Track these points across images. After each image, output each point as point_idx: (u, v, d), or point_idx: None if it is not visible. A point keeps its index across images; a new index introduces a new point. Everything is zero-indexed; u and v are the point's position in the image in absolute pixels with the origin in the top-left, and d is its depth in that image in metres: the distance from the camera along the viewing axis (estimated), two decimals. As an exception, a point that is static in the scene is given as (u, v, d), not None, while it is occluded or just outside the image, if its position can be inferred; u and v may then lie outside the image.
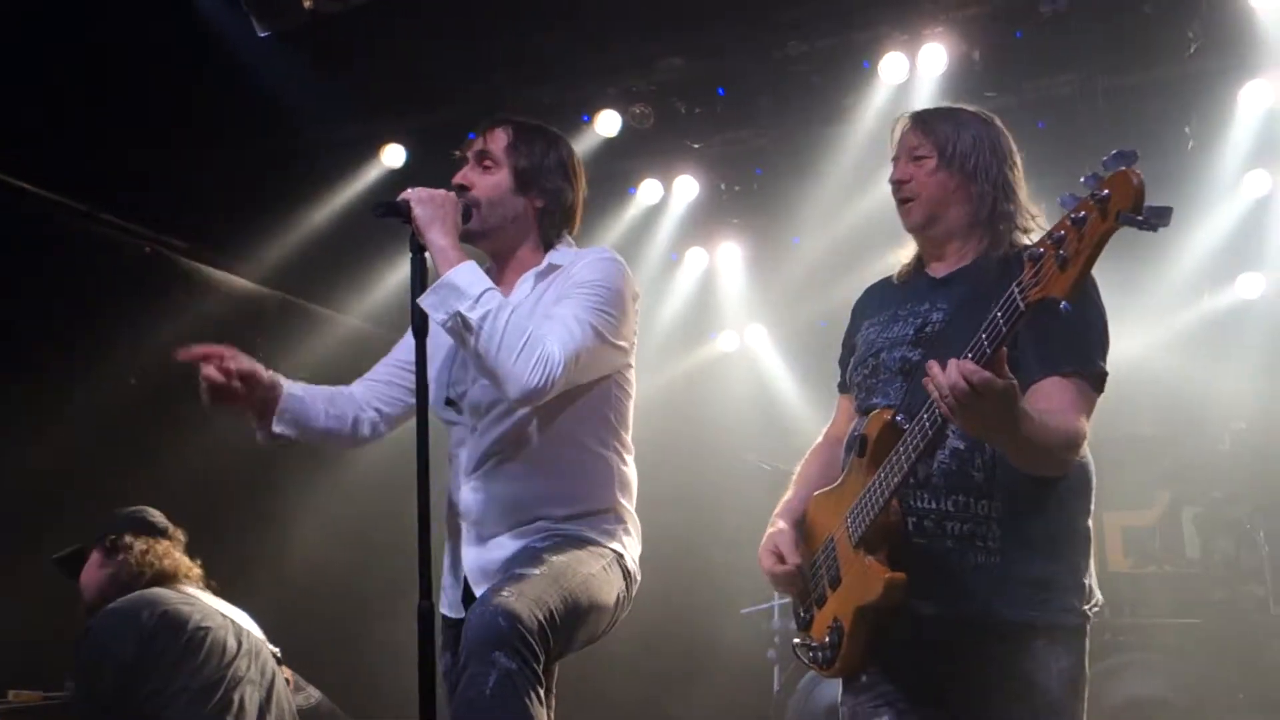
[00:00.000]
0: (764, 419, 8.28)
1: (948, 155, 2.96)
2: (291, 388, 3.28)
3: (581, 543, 3.19)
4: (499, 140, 3.35)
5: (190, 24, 5.97)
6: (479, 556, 3.23)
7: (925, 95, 6.35)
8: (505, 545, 3.20)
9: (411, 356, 3.01)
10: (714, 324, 8.61)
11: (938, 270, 3.03)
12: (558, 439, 3.22)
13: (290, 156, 7.05)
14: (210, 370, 3.12)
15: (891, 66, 6.45)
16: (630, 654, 6.02)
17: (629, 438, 3.39)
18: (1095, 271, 2.33)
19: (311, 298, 7.81)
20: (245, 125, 6.59)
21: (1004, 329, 2.34)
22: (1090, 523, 2.88)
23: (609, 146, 7.05)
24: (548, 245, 3.39)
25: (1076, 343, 2.76)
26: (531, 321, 3.05)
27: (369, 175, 7.23)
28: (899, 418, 2.72)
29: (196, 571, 4.52)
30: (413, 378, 3.01)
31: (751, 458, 7.18)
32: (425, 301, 2.98)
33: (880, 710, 2.87)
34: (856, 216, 6.99)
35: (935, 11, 6.39)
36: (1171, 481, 6.75)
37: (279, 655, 4.56)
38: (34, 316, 6.01)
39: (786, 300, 8.30)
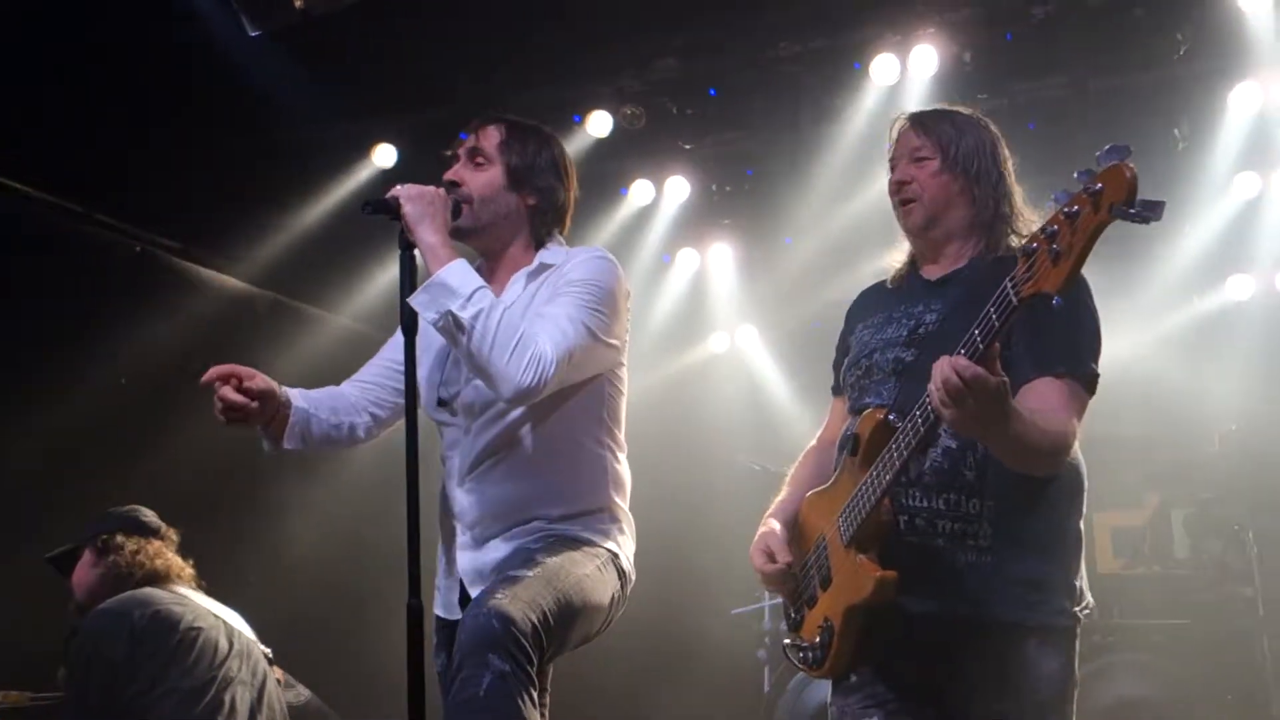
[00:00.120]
0: (755, 420, 8.29)
1: (950, 157, 2.97)
2: (297, 401, 3.27)
3: (576, 543, 3.19)
4: (491, 138, 3.35)
5: (181, 23, 5.95)
6: (474, 558, 3.24)
7: (916, 97, 6.35)
8: (500, 547, 3.20)
9: (401, 356, 3.01)
10: (705, 325, 8.61)
11: (932, 272, 3.04)
12: (552, 438, 3.22)
13: (281, 156, 7.04)
14: (228, 392, 3.09)
15: (883, 68, 6.46)
16: (620, 653, 6.01)
17: (622, 436, 3.39)
18: (1086, 273, 2.35)
19: (303, 297, 7.80)
20: (236, 125, 6.58)
21: (997, 324, 2.34)
22: (1082, 524, 2.89)
23: (600, 147, 7.05)
24: (539, 244, 3.38)
25: (1069, 344, 2.76)
26: (524, 321, 3.04)
27: (360, 175, 7.22)
28: (891, 416, 2.72)
29: (189, 572, 4.52)
30: (404, 378, 3.00)
31: (742, 459, 7.19)
32: (416, 300, 2.97)
33: (870, 711, 2.88)
34: (848, 217, 7.01)
35: (926, 13, 6.39)
36: (1161, 482, 6.78)
37: (270, 656, 4.55)
38: (25, 316, 5.99)
39: (778, 301, 8.31)
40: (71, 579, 4.46)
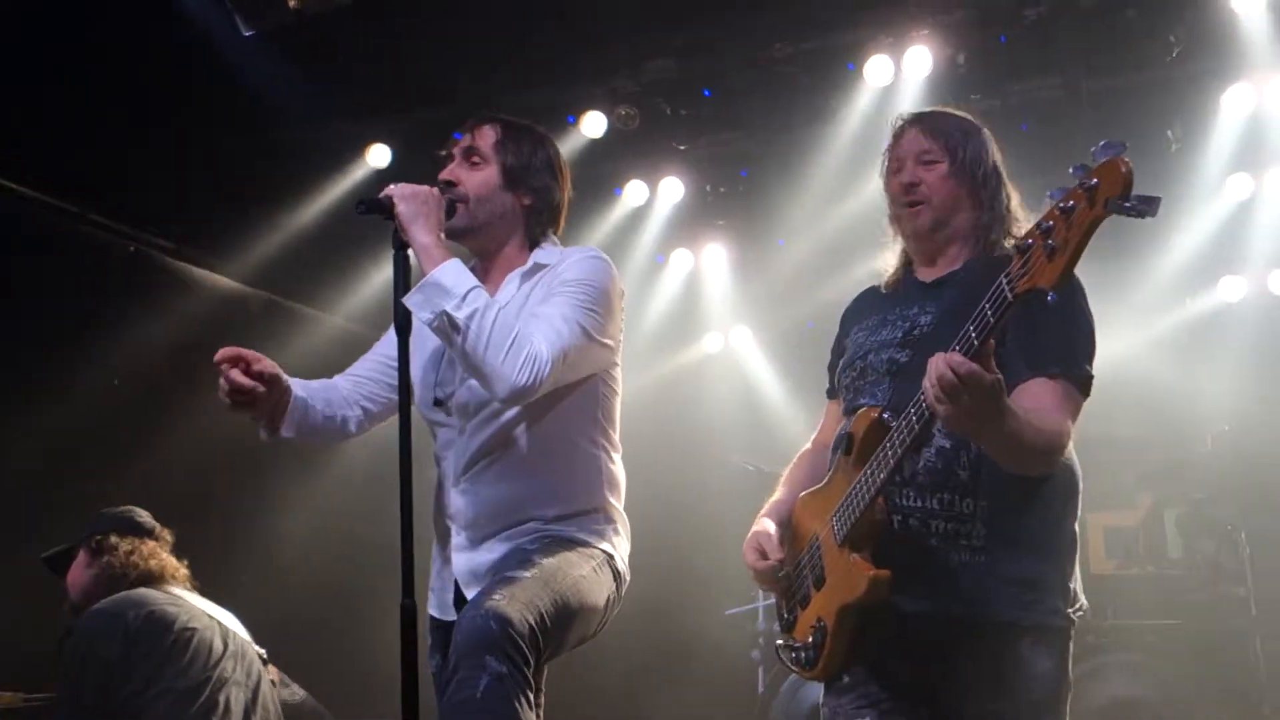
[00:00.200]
0: (749, 420, 8.30)
1: (959, 161, 2.97)
2: (296, 390, 3.27)
3: (571, 544, 3.19)
4: (487, 137, 3.35)
5: (176, 24, 5.95)
6: (469, 559, 3.23)
7: (910, 98, 6.36)
8: (495, 548, 3.20)
9: (395, 351, 3.00)
10: (699, 325, 8.62)
11: (927, 275, 3.05)
12: (547, 439, 3.22)
13: (276, 156, 7.04)
14: (237, 374, 3.08)
15: (877, 69, 6.47)
16: (615, 654, 6.01)
17: (617, 436, 3.39)
18: (1079, 274, 2.35)
19: (297, 297, 7.80)
20: (231, 125, 6.58)
21: (991, 320, 2.34)
22: (1076, 526, 2.90)
23: (594, 148, 7.05)
24: (533, 244, 3.38)
25: (1063, 345, 2.77)
26: (519, 320, 3.04)
27: (354, 175, 7.22)
28: (886, 415, 2.73)
29: (183, 572, 4.51)
30: (397, 375, 3.00)
31: (736, 459, 7.19)
32: (410, 300, 2.96)
33: (863, 711, 2.87)
34: (842, 218, 7.01)
35: (920, 14, 6.40)
36: (1154, 483, 6.78)
37: (265, 656, 4.55)
38: (19, 316, 5.99)
39: (772, 302, 8.32)
40: (66, 579, 4.46)
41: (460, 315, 2.94)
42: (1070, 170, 2.21)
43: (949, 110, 3.13)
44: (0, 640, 5.29)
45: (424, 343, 3.29)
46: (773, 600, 3.20)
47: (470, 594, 3.14)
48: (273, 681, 4.57)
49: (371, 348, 3.52)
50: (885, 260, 3.19)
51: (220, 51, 6.12)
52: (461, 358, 3.01)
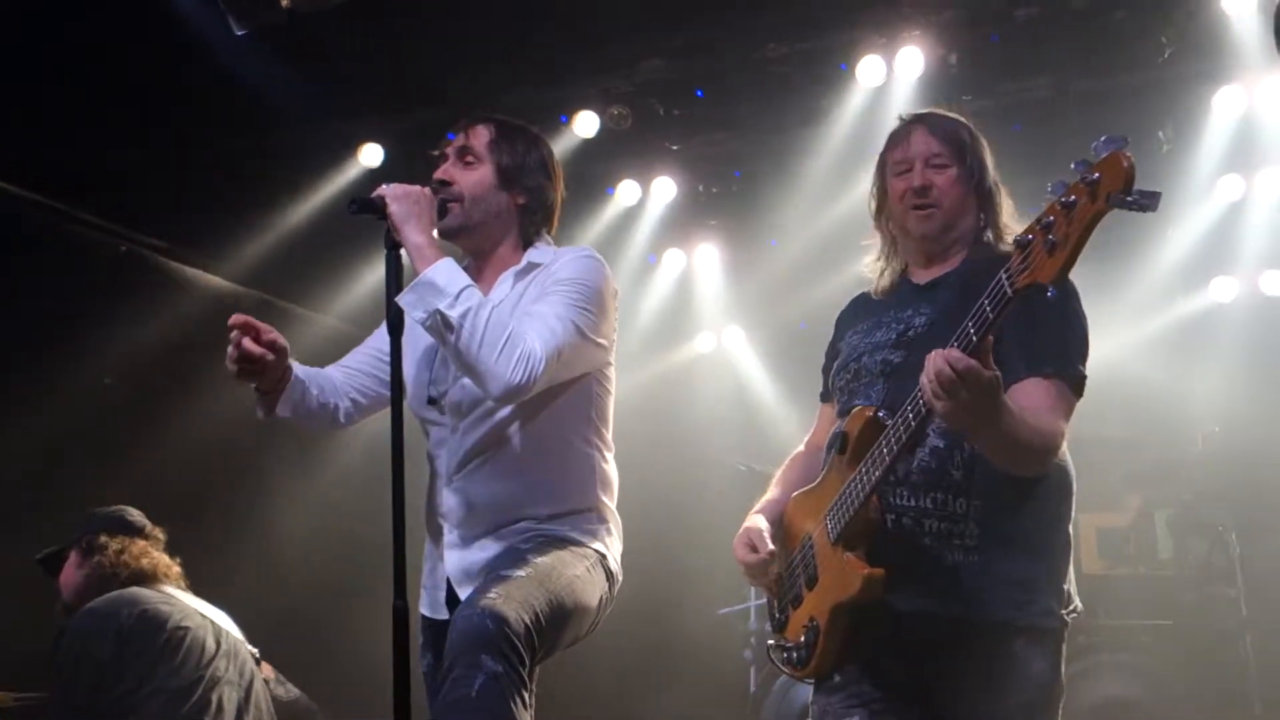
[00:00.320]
0: (741, 420, 8.31)
1: (968, 165, 2.98)
2: (297, 370, 3.26)
3: (565, 543, 3.19)
4: (481, 137, 3.36)
5: (168, 22, 5.94)
6: (462, 558, 3.23)
7: (902, 98, 6.36)
8: (489, 546, 3.20)
9: (388, 345, 3.00)
10: (691, 325, 8.62)
11: (921, 277, 3.05)
12: (541, 438, 3.22)
13: (268, 155, 7.02)
14: (249, 342, 3.07)
15: (869, 69, 6.47)
16: (607, 653, 6.02)
17: (610, 436, 3.40)
18: (1072, 275, 2.35)
19: (289, 297, 7.79)
20: (223, 124, 6.57)
21: (990, 316, 2.34)
22: (1070, 528, 2.90)
23: (587, 147, 7.04)
24: (527, 244, 3.39)
25: (1058, 345, 2.78)
26: (512, 319, 3.05)
27: (347, 174, 7.20)
28: (881, 413, 2.73)
29: (176, 570, 4.51)
30: (388, 369, 3.00)
31: (728, 459, 7.20)
32: (404, 300, 2.96)
33: (853, 710, 2.87)
34: (834, 218, 7.01)
35: (912, 15, 6.40)
36: (1145, 483, 6.80)
37: (258, 655, 4.55)
38: (9, 316, 5.97)
39: (764, 302, 8.32)
40: (59, 580, 4.46)
41: (454, 314, 2.94)
42: (1072, 165, 2.20)
43: (950, 113, 3.13)
44: (-7, 640, 5.29)
45: (417, 341, 3.30)
46: (765, 600, 3.20)
47: (463, 593, 3.14)
48: (266, 680, 4.57)
49: (365, 340, 3.52)
50: (869, 264, 3.19)
51: (212, 51, 6.10)
52: (455, 356, 3.01)
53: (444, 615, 3.24)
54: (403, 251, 3.04)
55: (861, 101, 6.61)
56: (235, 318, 3.08)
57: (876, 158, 3.16)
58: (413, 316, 2.97)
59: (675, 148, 7.38)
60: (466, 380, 3.13)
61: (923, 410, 2.49)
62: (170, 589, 4.40)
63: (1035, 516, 2.81)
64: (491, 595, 2.89)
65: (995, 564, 2.75)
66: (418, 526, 3.10)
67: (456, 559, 3.24)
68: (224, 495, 6.93)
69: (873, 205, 3.15)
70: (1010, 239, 2.93)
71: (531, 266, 3.32)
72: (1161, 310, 7.49)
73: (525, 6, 6.18)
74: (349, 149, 7.21)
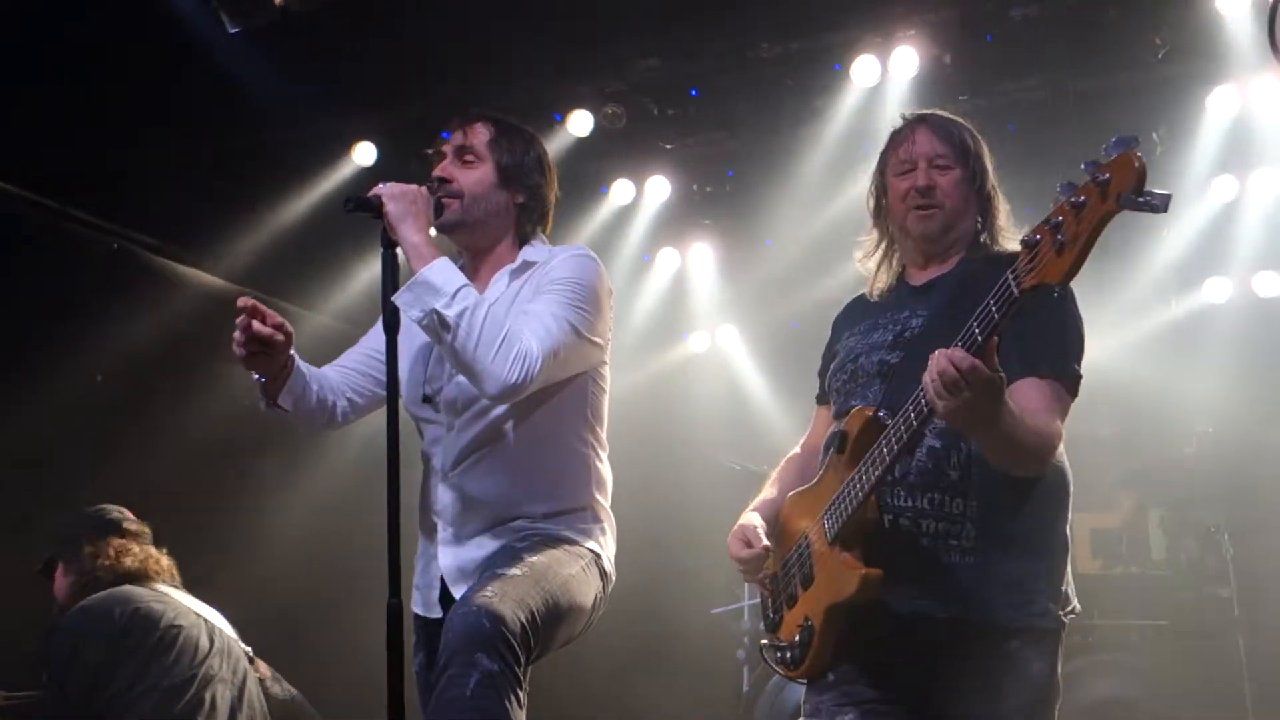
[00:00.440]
0: (734, 420, 8.30)
1: (970, 168, 2.98)
2: (299, 363, 3.24)
3: (560, 542, 3.19)
4: (480, 135, 3.35)
5: (161, 20, 5.92)
6: (456, 556, 3.23)
7: (897, 98, 6.37)
8: (484, 544, 3.20)
9: (384, 345, 2.99)
10: (685, 324, 8.62)
11: (917, 278, 3.06)
12: (536, 436, 3.22)
13: (261, 153, 7.01)
14: (259, 324, 3.03)
15: (863, 69, 6.46)
16: (600, 652, 6.01)
17: (604, 434, 3.40)
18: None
19: (282, 295, 7.75)
20: (215, 122, 6.55)
21: (996, 317, 2.33)
22: (1068, 529, 2.89)
23: (581, 146, 7.04)
24: (522, 242, 3.40)
25: (1054, 346, 2.78)
26: (509, 318, 3.04)
27: (340, 172, 7.19)
28: (881, 413, 2.73)
29: (166, 562, 4.48)
30: (384, 368, 2.99)
31: (722, 458, 7.20)
32: (400, 299, 2.96)
33: (845, 709, 2.86)
34: (828, 218, 7.01)
35: (907, 15, 6.41)
36: (1138, 484, 6.81)
37: (251, 654, 4.54)
38: (0, 313, 5.96)
39: (758, 301, 8.32)
40: (54, 589, 4.47)
41: (450, 313, 2.94)
42: (1081, 166, 2.19)
43: (953, 116, 3.13)
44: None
45: (412, 340, 3.29)
46: (758, 600, 3.20)
47: (457, 591, 3.14)
48: (261, 678, 4.56)
49: (360, 340, 3.51)
50: (859, 260, 3.19)
51: (205, 49, 6.09)
52: (451, 355, 3.01)
53: (438, 614, 3.23)
54: (399, 250, 3.03)
55: (856, 101, 6.61)
56: (243, 300, 3.05)
57: (870, 157, 3.16)
58: (409, 315, 2.96)
59: (669, 147, 7.38)
60: (461, 378, 3.13)
61: (925, 410, 2.49)
62: (163, 587, 4.39)
63: (1033, 517, 2.81)
64: (487, 593, 2.89)
65: (993, 565, 2.75)
66: (410, 525, 3.09)
67: (451, 557, 3.24)
68: (216, 492, 6.92)
69: (871, 204, 3.15)
70: (1006, 242, 2.94)
71: (527, 265, 3.32)
72: (1155, 311, 7.49)
73: (521, 5, 6.18)
74: (342, 147, 7.20)
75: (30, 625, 4.52)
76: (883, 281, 3.13)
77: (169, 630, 4.19)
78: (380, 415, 3.00)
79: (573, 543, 3.23)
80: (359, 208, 3.06)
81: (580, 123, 7.00)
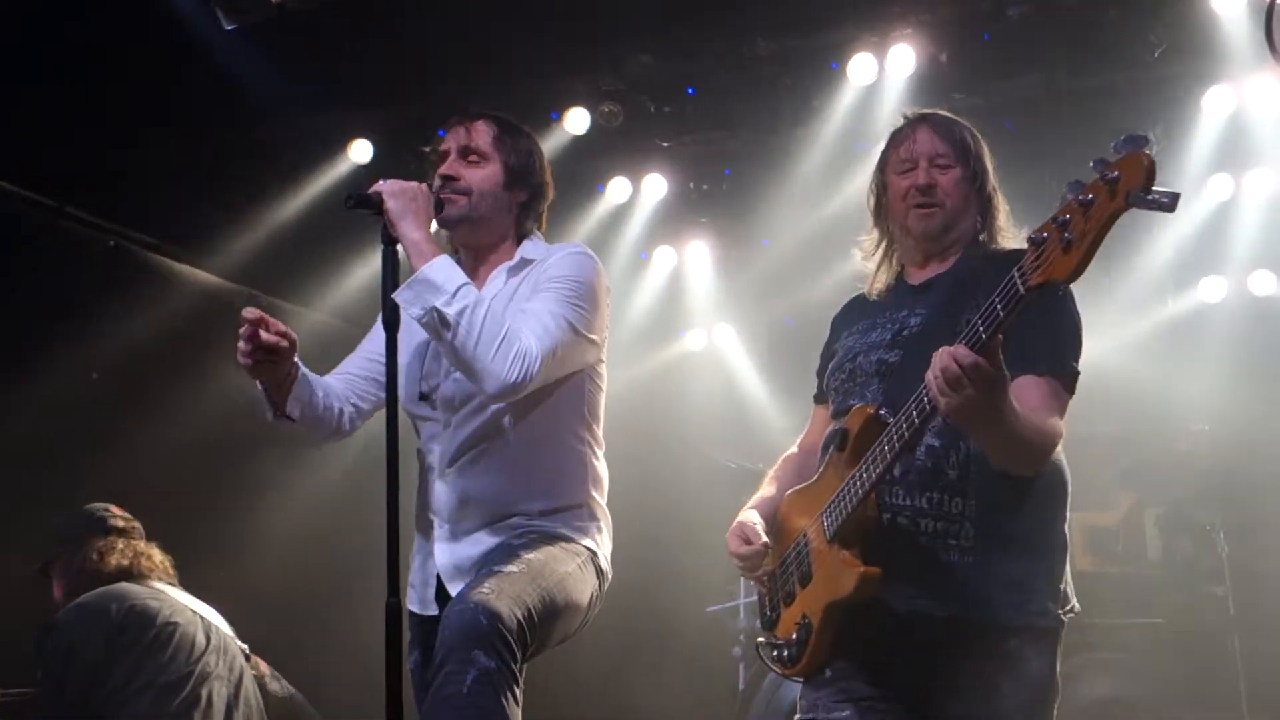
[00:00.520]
0: (730, 418, 8.30)
1: (971, 167, 2.99)
2: (304, 370, 3.23)
3: (556, 540, 3.19)
4: (484, 134, 3.36)
5: (158, 19, 5.91)
6: (452, 553, 3.23)
7: (894, 96, 6.37)
8: (480, 541, 3.20)
9: (383, 348, 2.99)
10: (682, 323, 8.61)
11: (916, 277, 3.06)
12: (533, 433, 3.22)
13: (257, 151, 7.00)
14: (266, 334, 3.02)
15: (860, 67, 6.46)
16: (595, 650, 6.01)
17: (600, 432, 3.40)
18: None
19: (278, 293, 7.76)
20: (212, 119, 6.55)
21: (1001, 314, 2.33)
22: (1067, 528, 2.89)
23: (578, 144, 7.03)
24: (520, 240, 3.41)
25: (1052, 343, 2.78)
26: (508, 316, 3.04)
27: (337, 170, 7.17)
28: (883, 411, 2.72)
29: (158, 555, 4.47)
30: (385, 370, 2.99)
31: (718, 456, 7.20)
32: (400, 297, 2.96)
33: (842, 705, 2.86)
34: (824, 217, 7.01)
35: (904, 13, 6.41)
36: (1134, 482, 6.81)
37: (247, 651, 4.53)
38: (-3, 311, 5.97)
39: (754, 300, 8.32)
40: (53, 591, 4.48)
41: (450, 312, 2.94)
42: (1090, 164, 2.18)
43: (952, 115, 3.13)
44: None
45: (410, 338, 3.29)
46: (754, 597, 3.20)
47: (453, 588, 3.14)
48: (262, 676, 4.56)
49: (358, 346, 3.51)
50: (861, 261, 3.20)
51: (202, 46, 6.08)
52: (451, 354, 3.01)
53: (433, 611, 3.23)
54: (399, 247, 3.03)
55: (853, 100, 6.61)
56: (249, 311, 3.03)
57: (867, 155, 3.17)
58: (409, 313, 2.96)
59: (666, 145, 7.37)
60: (458, 375, 3.13)
61: (927, 407, 2.49)
62: (159, 584, 4.39)
63: (1032, 516, 2.81)
64: (484, 590, 2.89)
65: (992, 564, 2.75)
66: (406, 524, 3.09)
67: (447, 554, 3.24)
68: (213, 490, 6.91)
69: (871, 202, 3.15)
70: (1005, 242, 2.94)
71: (525, 262, 3.33)
72: (1151, 309, 7.49)
73: (517, 2, 6.17)
74: (338, 145, 7.19)
75: (25, 623, 4.51)
76: (882, 281, 3.13)
77: (165, 627, 4.19)
78: (378, 414, 3.00)
79: (569, 540, 3.23)
80: (359, 204, 3.05)
81: (577, 121, 7.00)
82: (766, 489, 3.21)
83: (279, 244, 7.11)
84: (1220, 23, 5.95)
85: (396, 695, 2.78)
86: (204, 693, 4.19)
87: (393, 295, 2.95)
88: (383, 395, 3.26)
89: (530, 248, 3.37)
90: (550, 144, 6.92)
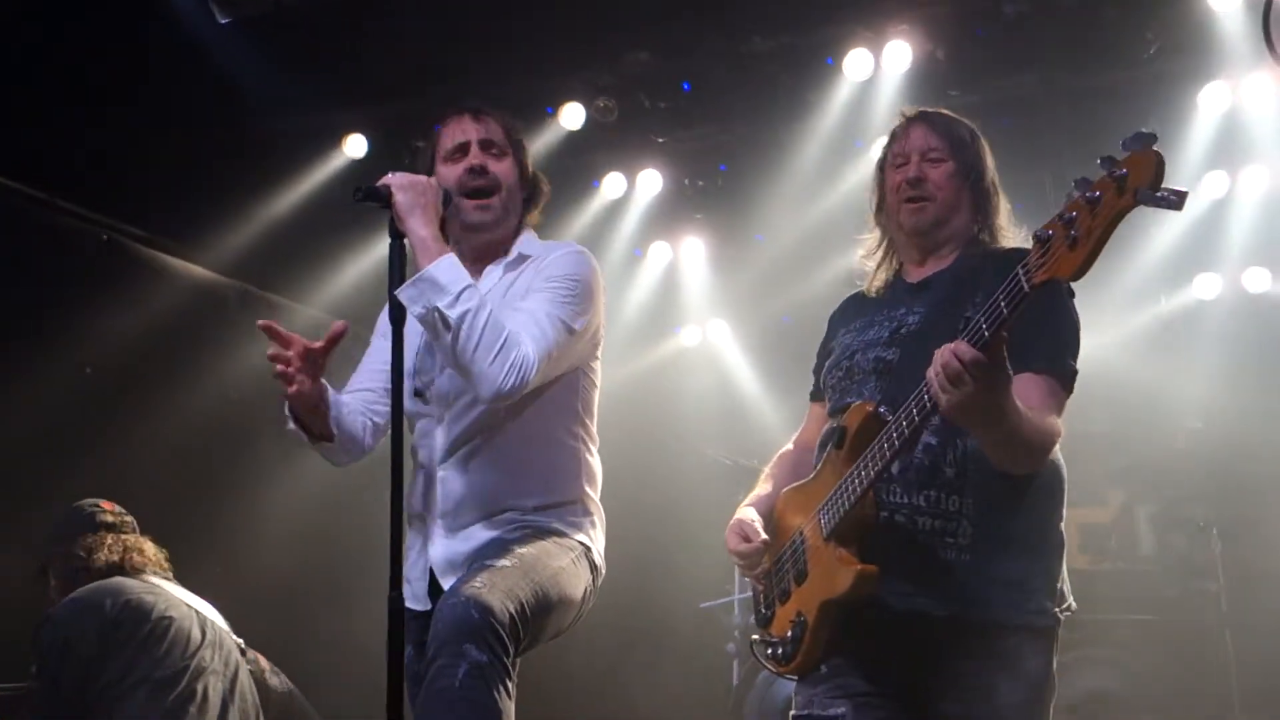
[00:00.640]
0: (725, 414, 8.30)
1: (963, 162, 2.98)
2: (329, 390, 3.19)
3: (550, 535, 3.19)
4: (496, 129, 3.37)
5: (154, 14, 5.90)
6: (446, 548, 3.23)
7: (889, 93, 6.38)
8: (475, 536, 3.20)
9: (385, 359, 2.98)
10: (677, 318, 8.61)
11: (914, 275, 3.05)
12: (527, 429, 3.22)
13: (251, 145, 6.98)
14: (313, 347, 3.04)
15: (856, 63, 6.46)
16: (589, 646, 6.02)
17: (594, 428, 3.40)
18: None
19: (272, 288, 7.75)
20: (206, 113, 6.52)
21: (1005, 312, 2.31)
22: (1063, 526, 2.89)
23: (573, 139, 7.03)
24: (514, 234, 3.40)
25: (1051, 341, 2.77)
26: (506, 318, 3.04)
27: (331, 165, 7.16)
28: (882, 409, 2.72)
29: (151, 548, 4.46)
30: (389, 377, 2.97)
31: (712, 452, 7.20)
32: (403, 294, 2.95)
33: (838, 701, 2.86)
34: (820, 213, 7.01)
35: (900, 9, 6.41)
36: (1127, 479, 6.83)
37: (243, 646, 4.53)
38: (-10, 304, 5.94)
39: (749, 296, 8.32)
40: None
41: (452, 314, 2.93)
42: (1097, 162, 2.17)
43: (951, 114, 3.13)
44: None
45: (410, 335, 3.27)
46: (748, 593, 3.20)
47: (446, 583, 3.14)
48: (261, 671, 4.56)
49: (362, 361, 3.50)
50: (860, 259, 3.19)
51: (197, 40, 6.06)
52: (449, 355, 3.01)
53: (426, 606, 3.24)
54: (406, 241, 3.02)
55: (848, 96, 6.60)
56: (295, 345, 3.03)
57: (863, 152, 3.17)
58: (411, 311, 2.96)
59: (661, 140, 7.37)
60: (452, 370, 3.12)
61: (927, 405, 2.48)
62: (154, 578, 4.38)
63: (1030, 515, 2.81)
64: (476, 584, 2.89)
65: (990, 563, 2.74)
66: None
67: (441, 549, 3.24)
68: (208, 485, 6.89)
69: (872, 201, 3.15)
70: (1005, 240, 2.94)
71: (521, 258, 3.34)
72: (1145, 307, 7.51)
73: (512, -2, 6.17)
74: (333, 140, 7.18)
75: (20, 618, 4.50)
76: (880, 279, 3.13)
77: (160, 622, 4.18)
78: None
79: (563, 535, 3.23)
80: (368, 197, 3.04)
81: (572, 116, 7.00)
82: (763, 486, 3.21)
83: (273, 239, 7.09)
84: (1216, 20, 5.96)
85: (397, 691, 2.77)
86: (199, 687, 4.18)
87: (395, 292, 2.94)
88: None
89: (526, 243, 3.38)
90: (546, 139, 6.92)
